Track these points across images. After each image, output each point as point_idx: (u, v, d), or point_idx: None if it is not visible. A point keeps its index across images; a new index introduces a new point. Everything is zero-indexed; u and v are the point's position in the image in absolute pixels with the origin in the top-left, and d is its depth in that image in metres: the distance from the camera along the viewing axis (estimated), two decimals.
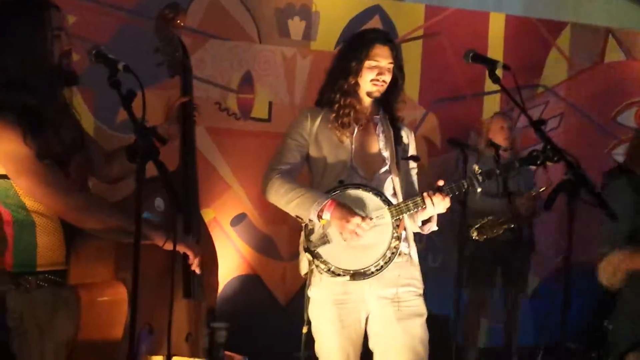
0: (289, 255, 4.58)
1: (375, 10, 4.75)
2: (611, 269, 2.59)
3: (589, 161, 2.35)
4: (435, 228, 2.62)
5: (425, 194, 2.46)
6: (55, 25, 2.06)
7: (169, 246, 2.07)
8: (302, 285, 4.48)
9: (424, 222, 2.58)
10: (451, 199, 2.51)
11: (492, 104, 5.00)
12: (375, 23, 4.72)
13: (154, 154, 1.86)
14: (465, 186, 2.49)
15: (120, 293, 2.06)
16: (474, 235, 4.17)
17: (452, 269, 4.32)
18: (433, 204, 2.45)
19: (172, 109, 2.45)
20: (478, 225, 4.18)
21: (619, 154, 5.36)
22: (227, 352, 3.73)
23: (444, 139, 4.74)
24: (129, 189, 2.12)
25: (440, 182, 2.50)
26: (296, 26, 4.60)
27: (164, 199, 2.25)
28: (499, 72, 2.30)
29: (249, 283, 4.52)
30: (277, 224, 4.50)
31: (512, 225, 4.26)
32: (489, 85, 4.91)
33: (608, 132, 5.30)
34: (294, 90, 4.60)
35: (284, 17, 4.57)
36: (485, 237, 4.22)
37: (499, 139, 4.40)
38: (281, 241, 4.59)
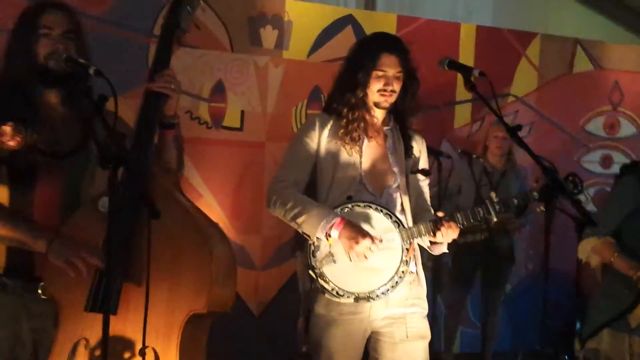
0: (262, 265, 4.54)
1: (348, 20, 4.76)
2: (588, 249, 2.76)
3: (559, 169, 2.37)
4: (445, 250, 2.51)
5: (438, 225, 2.37)
6: (44, 24, 2.03)
7: (54, 257, 1.95)
8: (276, 295, 4.51)
9: (432, 243, 2.47)
10: (466, 225, 2.42)
11: (463, 112, 5.04)
12: (347, 33, 4.73)
13: (126, 160, 1.82)
14: (481, 214, 2.40)
15: None
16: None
17: (427, 276, 4.33)
18: (443, 235, 2.37)
19: None
20: None
21: (588, 162, 5.46)
22: None
23: None
24: None
25: (440, 214, 2.41)
26: (268, 35, 4.58)
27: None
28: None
29: None
30: (249, 234, 4.45)
31: (485, 235, 4.26)
32: (460, 94, 4.96)
33: (577, 140, 5.39)
34: (266, 99, 4.58)
35: (256, 26, 4.55)
36: (464, 240, 4.23)
37: (492, 147, 4.44)
38: (254, 251, 4.54)
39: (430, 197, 2.67)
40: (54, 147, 2.05)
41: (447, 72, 2.46)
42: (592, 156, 5.46)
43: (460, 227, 2.39)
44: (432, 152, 3.95)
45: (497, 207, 2.39)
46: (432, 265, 4.09)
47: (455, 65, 2.34)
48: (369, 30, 4.76)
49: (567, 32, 5.32)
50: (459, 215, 2.39)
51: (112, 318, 1.85)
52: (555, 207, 2.12)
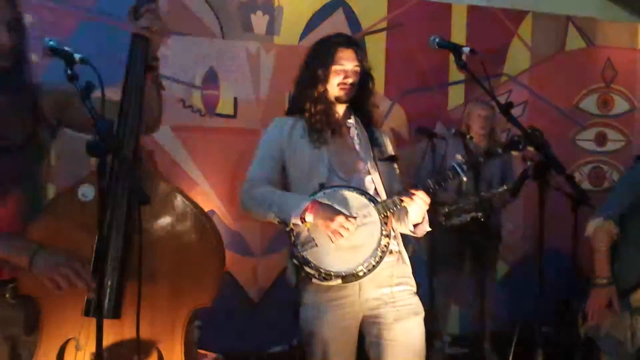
0: (260, 251, 4.55)
1: (338, 3, 4.74)
2: (592, 229, 2.98)
3: (553, 148, 2.36)
4: (428, 229, 2.56)
5: (404, 196, 2.42)
6: None
7: (37, 273, 1.81)
8: (274, 281, 4.52)
9: (415, 225, 2.53)
10: (437, 190, 2.47)
11: (457, 93, 5.03)
12: (338, 16, 4.71)
13: (115, 148, 1.80)
14: (451, 176, 2.46)
15: None
16: (442, 220, 4.14)
17: (423, 258, 4.34)
18: (413, 201, 2.41)
19: None
20: (445, 211, 4.15)
21: (583, 140, 5.46)
22: (200, 351, 3.68)
23: (411, 130, 4.76)
24: None
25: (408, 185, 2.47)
26: (259, 21, 4.56)
27: (95, 185, 1.90)
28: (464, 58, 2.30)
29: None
30: (246, 220, 4.44)
31: (479, 215, 4.24)
32: (453, 75, 4.94)
33: (571, 118, 5.39)
34: (259, 85, 4.57)
35: (247, 12, 4.53)
36: (451, 223, 4.20)
37: (476, 126, 4.38)
38: (251, 237, 4.55)
39: (425, 177, 2.69)
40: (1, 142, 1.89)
41: (439, 53, 2.48)
42: (587, 134, 5.46)
43: (432, 192, 2.44)
44: (426, 133, 3.95)
45: (464, 167, 2.44)
46: (428, 247, 4.09)
47: (445, 44, 2.33)
48: (360, 12, 4.76)
49: (558, 9, 5.30)
50: (429, 181, 2.45)
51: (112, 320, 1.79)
52: (548, 183, 2.11)
